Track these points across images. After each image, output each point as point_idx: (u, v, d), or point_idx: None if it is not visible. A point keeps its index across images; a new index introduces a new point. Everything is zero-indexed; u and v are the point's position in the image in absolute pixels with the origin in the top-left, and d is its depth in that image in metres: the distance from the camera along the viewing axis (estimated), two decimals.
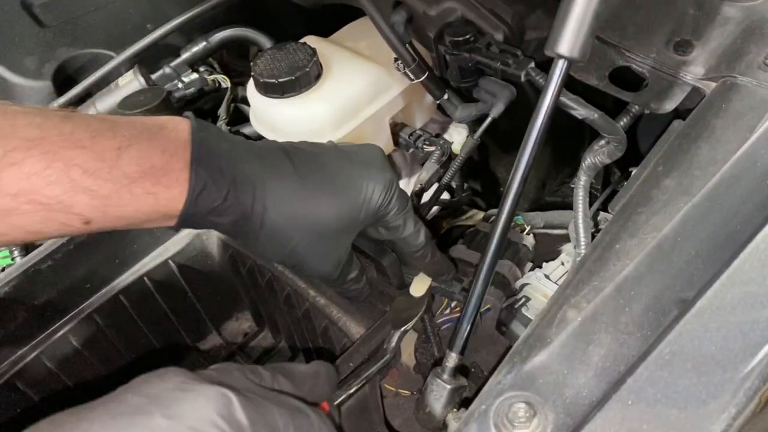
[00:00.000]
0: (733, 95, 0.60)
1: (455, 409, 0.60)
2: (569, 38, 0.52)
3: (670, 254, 0.50)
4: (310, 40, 0.81)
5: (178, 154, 0.53)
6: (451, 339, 0.60)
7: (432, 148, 0.81)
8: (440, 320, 0.77)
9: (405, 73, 0.75)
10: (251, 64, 0.77)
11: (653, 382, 0.44)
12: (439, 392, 0.59)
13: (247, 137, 0.80)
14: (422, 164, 0.78)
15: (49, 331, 0.79)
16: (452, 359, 0.60)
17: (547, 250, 0.84)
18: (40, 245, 0.79)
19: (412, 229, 0.64)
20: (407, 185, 0.90)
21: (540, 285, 0.77)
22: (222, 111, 1.00)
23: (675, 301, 0.48)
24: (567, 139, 0.95)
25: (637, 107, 0.70)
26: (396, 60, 0.75)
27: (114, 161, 0.50)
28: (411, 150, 0.83)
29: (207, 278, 0.90)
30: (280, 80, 0.75)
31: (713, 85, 0.63)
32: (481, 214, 0.90)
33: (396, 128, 0.84)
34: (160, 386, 0.49)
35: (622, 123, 0.69)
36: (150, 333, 0.88)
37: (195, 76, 1.03)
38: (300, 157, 0.59)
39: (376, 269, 0.70)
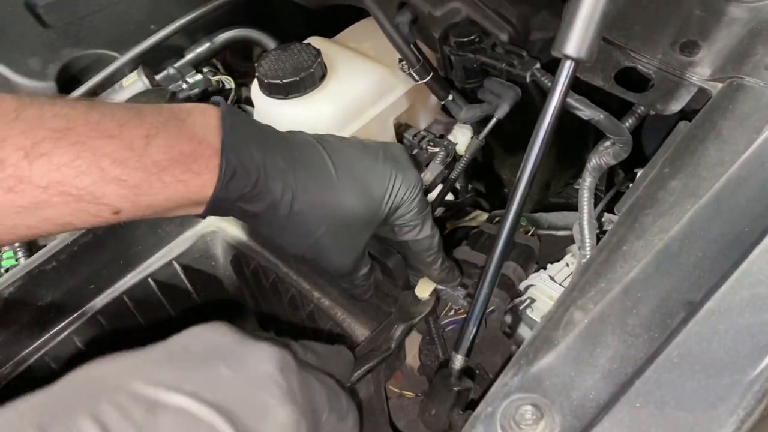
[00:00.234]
0: (740, 96, 0.60)
1: (461, 411, 0.60)
2: (576, 39, 0.51)
3: (677, 256, 0.50)
4: (315, 41, 0.81)
5: (207, 140, 0.52)
6: (457, 341, 0.60)
7: (436, 149, 0.80)
8: (444, 322, 0.77)
9: (409, 74, 0.75)
10: (255, 64, 0.77)
11: (661, 384, 0.44)
12: (445, 394, 0.59)
13: None
14: (426, 165, 0.78)
15: (53, 331, 0.79)
16: (458, 361, 0.59)
17: (551, 251, 0.83)
18: (44, 246, 0.79)
19: (429, 231, 0.64)
20: None
21: (545, 286, 0.77)
22: None
23: (683, 303, 0.47)
24: (572, 140, 0.95)
25: (642, 108, 0.69)
26: (400, 61, 0.75)
27: (143, 149, 0.49)
28: (415, 151, 0.82)
29: (211, 279, 0.90)
30: (284, 81, 0.75)
31: (719, 86, 0.62)
32: (484, 215, 0.90)
33: (400, 129, 0.84)
34: (219, 339, 0.50)
35: (627, 124, 0.69)
36: (154, 334, 0.87)
37: (199, 76, 1.02)
38: (328, 148, 0.59)
39: (381, 271, 0.69)
